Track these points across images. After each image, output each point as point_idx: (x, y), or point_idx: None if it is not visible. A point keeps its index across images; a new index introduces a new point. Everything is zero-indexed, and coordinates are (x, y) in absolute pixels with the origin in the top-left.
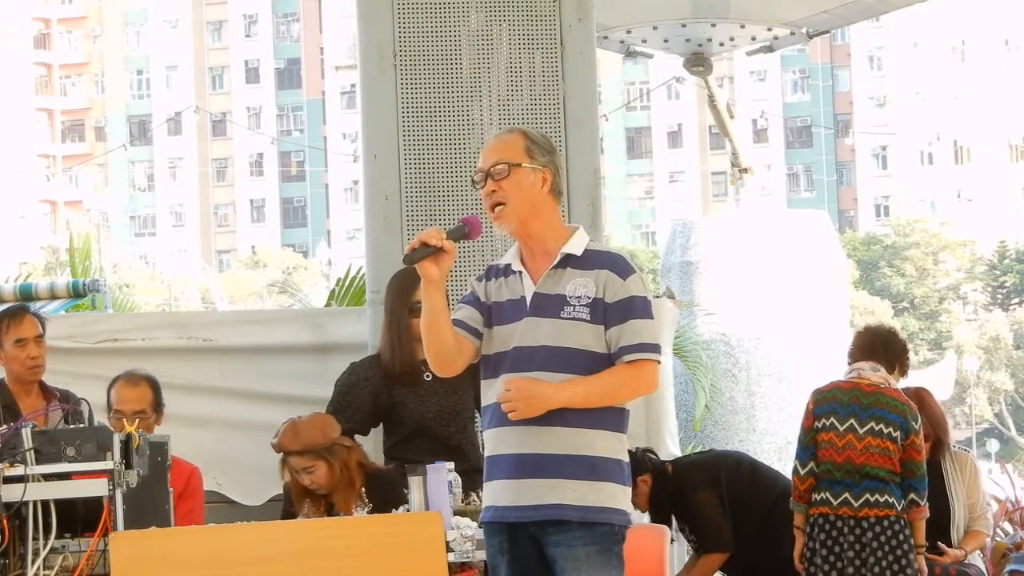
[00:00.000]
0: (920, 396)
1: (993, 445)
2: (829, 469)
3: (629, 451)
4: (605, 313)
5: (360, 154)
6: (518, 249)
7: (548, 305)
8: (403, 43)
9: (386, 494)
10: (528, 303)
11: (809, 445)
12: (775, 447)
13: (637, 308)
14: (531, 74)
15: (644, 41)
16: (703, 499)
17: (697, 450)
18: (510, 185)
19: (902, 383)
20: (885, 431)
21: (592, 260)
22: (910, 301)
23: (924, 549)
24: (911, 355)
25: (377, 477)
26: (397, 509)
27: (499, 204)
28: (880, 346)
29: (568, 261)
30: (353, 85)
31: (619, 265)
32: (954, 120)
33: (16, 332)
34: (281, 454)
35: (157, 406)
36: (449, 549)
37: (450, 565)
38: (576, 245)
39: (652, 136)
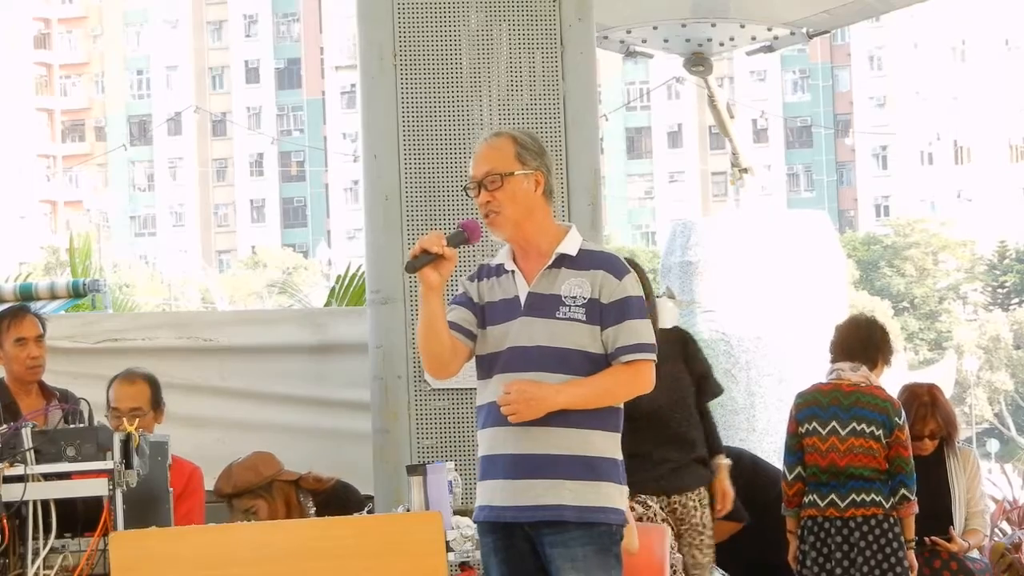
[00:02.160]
0: (932, 393)
1: (993, 445)
2: (815, 472)
3: None
4: (601, 313)
5: (360, 154)
6: (510, 248)
7: (543, 305)
8: (403, 43)
9: (343, 510)
10: (522, 303)
11: (796, 450)
12: (775, 447)
13: (633, 308)
14: (531, 74)
15: (644, 41)
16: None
17: None
18: (504, 195)
19: (912, 378)
20: (868, 430)
21: (587, 260)
22: (910, 301)
23: (914, 544)
24: (912, 355)
25: (327, 495)
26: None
27: (494, 213)
28: (858, 344)
29: (563, 261)
30: (353, 85)
31: (614, 265)
32: (954, 120)
33: (17, 331)
34: (225, 500)
35: (155, 404)
36: (449, 549)
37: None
38: (570, 245)
39: (652, 136)
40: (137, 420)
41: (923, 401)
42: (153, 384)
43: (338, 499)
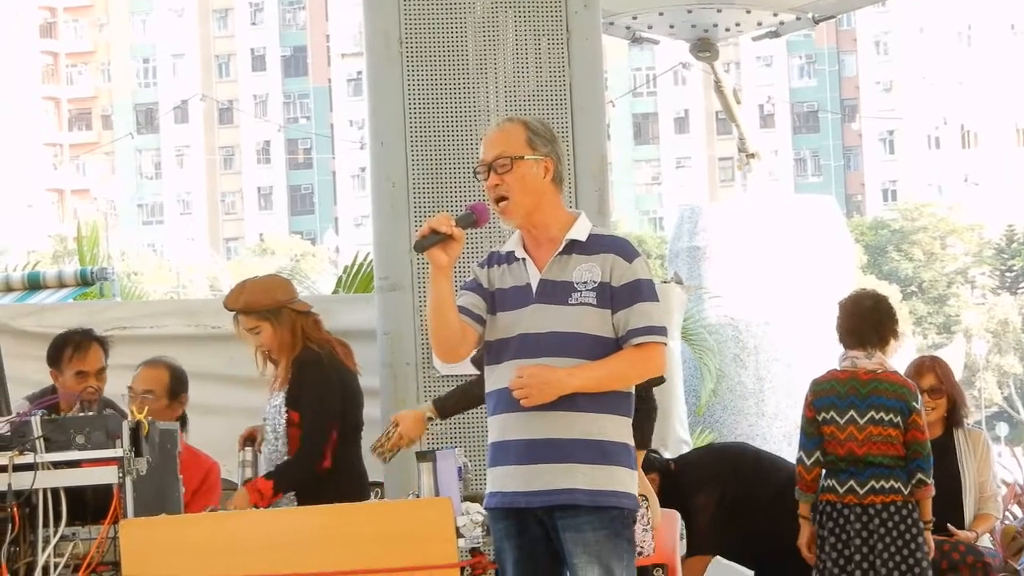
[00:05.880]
0: (934, 357)
1: (1003, 428)
2: (833, 460)
3: None
4: (612, 297)
5: (367, 141)
6: (520, 236)
7: (555, 292)
8: (409, 30)
9: (304, 375)
10: (534, 290)
11: (814, 435)
12: (784, 431)
13: (644, 291)
14: (537, 61)
15: (650, 27)
16: (701, 505)
17: (705, 435)
18: (513, 178)
19: (908, 356)
20: (886, 418)
21: (597, 244)
22: (918, 285)
23: (932, 524)
24: (920, 339)
25: (306, 353)
26: (303, 394)
27: (503, 198)
28: (869, 328)
29: (573, 247)
30: (360, 72)
31: (624, 249)
32: (961, 104)
33: (79, 364)
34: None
35: (173, 393)
36: (459, 535)
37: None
38: (580, 231)
39: (659, 122)
40: (149, 404)
41: (923, 361)
42: (174, 373)
43: (303, 366)
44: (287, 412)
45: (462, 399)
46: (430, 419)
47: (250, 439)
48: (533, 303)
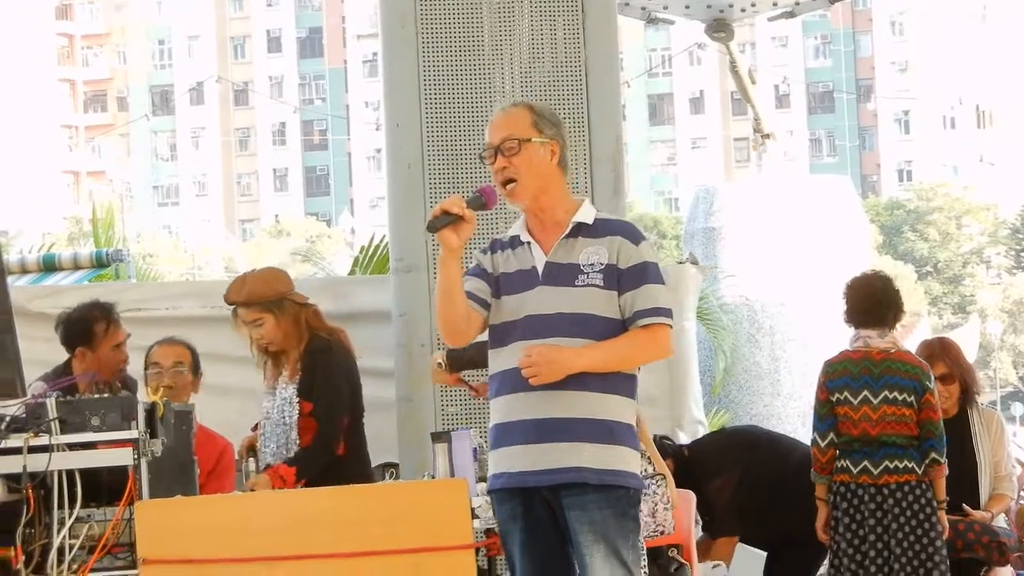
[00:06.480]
0: (942, 340)
1: (1018, 408)
2: (847, 441)
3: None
4: (619, 279)
5: (382, 123)
6: (524, 220)
7: (561, 274)
8: (424, 12)
9: (317, 364)
10: (540, 273)
11: (827, 417)
12: (799, 412)
13: (651, 273)
14: (552, 41)
15: (665, 7)
16: (718, 488)
17: (720, 415)
18: (521, 160)
19: (924, 336)
20: (900, 398)
21: (603, 228)
22: (933, 265)
23: (946, 504)
24: (936, 319)
25: (317, 342)
26: (317, 383)
27: (511, 181)
28: (884, 309)
29: (580, 230)
30: (375, 54)
31: (631, 232)
32: (976, 84)
33: (115, 337)
34: (232, 308)
35: (195, 369)
36: (474, 516)
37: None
38: (586, 214)
39: (674, 102)
40: (181, 378)
41: (932, 347)
42: (193, 351)
43: (315, 354)
44: (299, 402)
45: (480, 352)
46: (440, 365)
47: (251, 449)
48: (539, 285)
